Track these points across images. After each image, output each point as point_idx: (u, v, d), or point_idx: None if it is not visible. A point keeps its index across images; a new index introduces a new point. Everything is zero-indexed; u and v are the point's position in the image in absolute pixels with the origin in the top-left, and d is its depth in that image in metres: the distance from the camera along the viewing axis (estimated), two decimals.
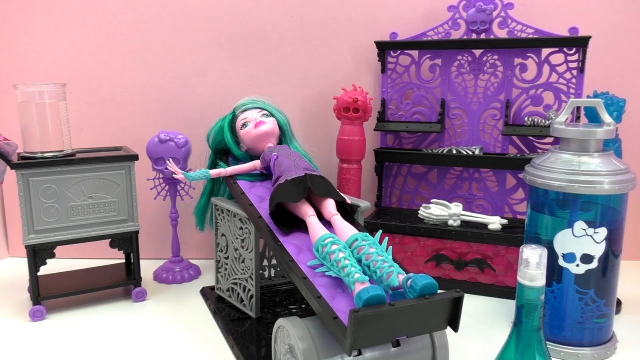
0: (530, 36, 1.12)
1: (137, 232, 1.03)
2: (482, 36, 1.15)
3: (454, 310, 0.66)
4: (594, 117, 0.94)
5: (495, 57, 1.15)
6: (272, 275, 1.09)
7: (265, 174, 0.98)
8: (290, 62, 1.24)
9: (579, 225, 0.80)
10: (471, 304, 1.02)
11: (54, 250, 0.97)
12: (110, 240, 1.02)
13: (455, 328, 0.67)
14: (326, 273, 0.71)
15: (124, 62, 1.22)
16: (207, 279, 1.16)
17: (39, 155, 0.95)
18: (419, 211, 1.13)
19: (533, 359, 0.63)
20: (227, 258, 0.99)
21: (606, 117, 0.82)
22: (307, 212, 0.80)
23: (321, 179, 0.84)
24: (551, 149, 0.86)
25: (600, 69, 1.18)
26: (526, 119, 1.12)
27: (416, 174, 1.24)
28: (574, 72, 1.10)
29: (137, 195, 1.02)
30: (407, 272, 0.67)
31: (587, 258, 0.81)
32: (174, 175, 0.98)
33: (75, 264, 1.15)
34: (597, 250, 0.80)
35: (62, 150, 0.97)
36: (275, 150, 0.93)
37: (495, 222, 1.08)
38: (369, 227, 1.10)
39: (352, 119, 1.15)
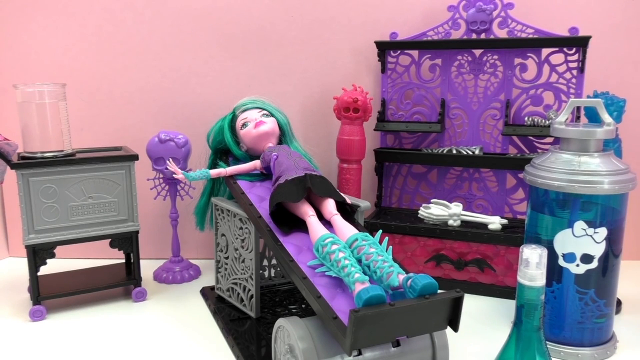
0: (530, 36, 1.12)
1: (137, 232, 1.03)
2: (482, 36, 1.15)
3: (454, 310, 0.66)
4: (594, 117, 0.94)
5: (495, 57, 1.15)
6: (272, 275, 1.09)
7: (265, 174, 0.98)
8: (290, 62, 1.24)
9: (579, 225, 0.80)
10: (471, 304, 1.02)
11: (54, 250, 0.97)
12: (110, 240, 1.02)
13: (455, 328, 0.67)
14: (326, 273, 0.71)
15: (124, 62, 1.22)
16: (207, 279, 1.16)
17: (39, 155, 0.95)
18: (419, 211, 1.13)
19: (533, 359, 0.63)
20: (227, 258, 0.99)
21: (606, 117, 0.82)
22: (307, 212, 0.80)
23: (321, 178, 0.84)
24: (551, 149, 0.86)
25: (600, 69, 1.18)
26: (526, 119, 1.12)
27: (416, 174, 1.24)
28: (574, 72, 1.10)
29: (137, 195, 1.02)
30: (407, 272, 0.67)
31: (587, 258, 0.81)
32: (174, 175, 0.98)
33: (75, 264, 1.15)
34: (597, 250, 0.80)
35: (62, 150, 0.97)
36: (275, 150, 0.93)
37: (495, 222, 1.07)
38: (369, 227, 1.10)
39: (352, 119, 1.15)
